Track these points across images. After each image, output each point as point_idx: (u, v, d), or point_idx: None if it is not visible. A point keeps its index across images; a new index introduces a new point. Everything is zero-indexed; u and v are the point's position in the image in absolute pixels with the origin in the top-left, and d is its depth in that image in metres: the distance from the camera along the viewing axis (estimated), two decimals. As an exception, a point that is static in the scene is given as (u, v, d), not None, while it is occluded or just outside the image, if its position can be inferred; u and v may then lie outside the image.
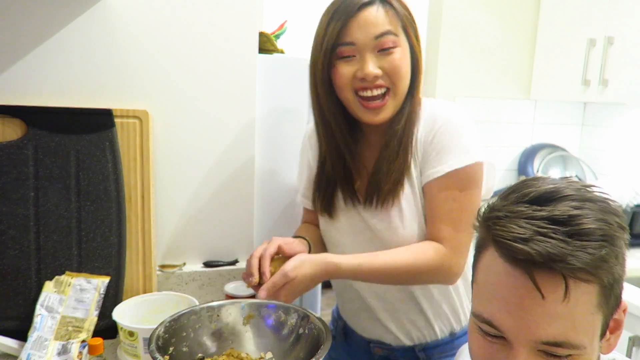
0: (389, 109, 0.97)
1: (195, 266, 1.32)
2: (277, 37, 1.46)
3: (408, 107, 1.00)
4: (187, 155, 1.27)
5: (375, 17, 0.93)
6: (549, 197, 0.59)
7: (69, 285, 1.10)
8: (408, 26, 0.97)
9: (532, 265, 0.56)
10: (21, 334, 1.05)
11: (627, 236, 0.60)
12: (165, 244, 1.29)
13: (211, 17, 1.23)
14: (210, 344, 1.01)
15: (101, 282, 1.12)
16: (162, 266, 1.28)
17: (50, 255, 1.11)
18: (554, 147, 2.42)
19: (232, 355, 0.97)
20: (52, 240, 1.12)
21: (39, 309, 1.06)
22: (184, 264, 1.31)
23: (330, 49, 0.95)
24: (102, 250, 1.15)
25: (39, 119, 1.11)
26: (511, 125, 2.42)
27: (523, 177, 0.69)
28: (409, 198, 1.01)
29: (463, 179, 0.97)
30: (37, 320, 1.04)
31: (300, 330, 1.00)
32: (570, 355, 0.58)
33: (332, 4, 0.97)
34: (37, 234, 1.11)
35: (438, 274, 0.99)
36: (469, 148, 0.96)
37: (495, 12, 2.27)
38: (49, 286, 1.09)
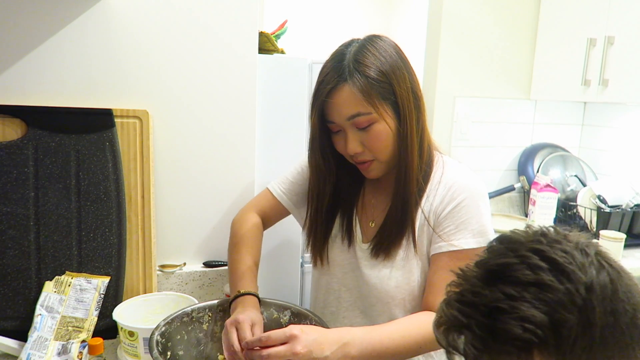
0: (377, 169, 1.00)
1: (195, 266, 1.32)
2: (277, 37, 1.46)
3: (406, 163, 0.97)
4: (187, 155, 1.27)
5: (344, 100, 0.92)
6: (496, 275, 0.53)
7: (69, 285, 1.10)
8: (387, 90, 0.93)
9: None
10: (21, 334, 1.05)
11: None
12: (165, 244, 1.29)
13: (211, 18, 1.23)
14: (205, 345, 1.01)
15: (101, 282, 1.12)
16: (162, 266, 1.28)
17: (50, 255, 1.11)
18: (554, 147, 2.42)
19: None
20: (52, 240, 1.12)
21: (39, 309, 1.06)
22: (184, 264, 1.31)
23: (319, 124, 0.98)
24: (102, 250, 1.15)
25: (39, 119, 1.11)
26: (511, 125, 2.42)
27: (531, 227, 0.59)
28: (405, 252, 0.99)
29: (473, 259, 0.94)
30: (37, 320, 1.04)
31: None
32: None
33: (317, 78, 0.97)
34: (37, 234, 1.11)
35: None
36: (486, 229, 0.94)
37: (495, 12, 2.26)
38: (49, 286, 1.09)
